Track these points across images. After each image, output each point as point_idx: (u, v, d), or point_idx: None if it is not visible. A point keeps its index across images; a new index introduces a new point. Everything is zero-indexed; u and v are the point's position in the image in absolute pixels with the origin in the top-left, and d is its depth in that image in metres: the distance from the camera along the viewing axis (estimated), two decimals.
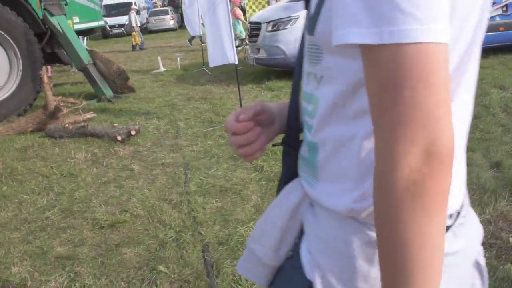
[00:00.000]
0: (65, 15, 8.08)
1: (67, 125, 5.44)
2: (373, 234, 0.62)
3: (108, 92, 7.46)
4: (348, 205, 0.64)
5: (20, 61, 7.12)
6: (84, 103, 6.17)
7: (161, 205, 3.42)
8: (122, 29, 25.25)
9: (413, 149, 0.49)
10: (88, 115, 6.02)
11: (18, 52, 7.08)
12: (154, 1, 35.59)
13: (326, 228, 0.68)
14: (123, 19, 25.41)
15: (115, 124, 5.42)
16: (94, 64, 7.61)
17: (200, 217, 3.16)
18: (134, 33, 16.62)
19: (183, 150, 4.57)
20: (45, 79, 5.77)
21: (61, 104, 5.72)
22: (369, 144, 0.62)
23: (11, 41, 6.97)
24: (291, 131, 0.83)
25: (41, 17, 7.59)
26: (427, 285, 0.53)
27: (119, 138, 4.90)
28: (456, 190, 0.67)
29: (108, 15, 24.36)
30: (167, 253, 2.78)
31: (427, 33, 0.48)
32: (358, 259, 0.65)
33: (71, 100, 6.02)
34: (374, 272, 0.65)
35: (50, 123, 5.67)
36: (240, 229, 2.95)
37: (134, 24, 16.76)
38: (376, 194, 0.54)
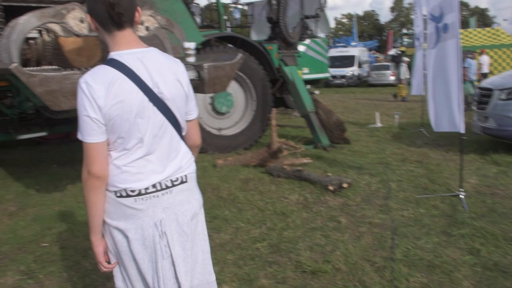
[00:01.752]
0: (297, 65, 8.89)
1: (285, 166, 5.89)
2: (107, 194, 1.76)
3: (325, 141, 7.83)
4: None
5: (255, 102, 8.08)
6: (303, 148, 6.60)
7: (363, 265, 3.40)
8: (344, 80, 26.35)
9: (85, 170, 1.70)
10: (305, 160, 6.41)
11: (254, 95, 8.05)
12: (376, 55, 36.28)
13: None
14: (345, 71, 26.56)
15: (329, 174, 5.63)
16: (316, 112, 8.12)
17: None
18: (400, 85, 17.32)
19: (393, 213, 4.47)
20: (274, 122, 6.38)
21: (283, 146, 6.24)
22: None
23: (250, 85, 7.99)
24: None
25: (276, 66, 8.52)
26: (90, 218, 1.77)
27: (330, 187, 5.08)
28: (118, 184, 1.73)
29: (332, 66, 25.74)
30: None
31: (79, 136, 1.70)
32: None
33: (292, 143, 6.51)
34: (107, 207, 1.77)
35: (271, 161, 6.24)
36: None
37: (402, 77, 17.71)
38: None
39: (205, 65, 4.26)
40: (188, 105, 1.88)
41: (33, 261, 3.74)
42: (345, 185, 5.11)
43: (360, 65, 28.11)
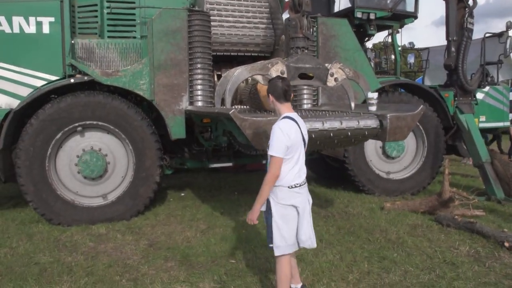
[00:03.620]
0: (473, 113, 8.62)
1: (456, 216, 5.83)
2: (283, 188, 3.41)
3: (499, 193, 7.44)
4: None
5: (426, 149, 8.09)
6: (476, 199, 6.42)
7: None
8: None
9: (271, 172, 3.31)
10: (477, 212, 6.23)
11: (425, 141, 8.08)
12: None
13: None
14: None
15: (505, 230, 5.43)
16: (491, 163, 7.77)
17: None
18: None
19: None
20: (447, 171, 6.36)
21: (456, 196, 6.18)
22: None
23: (423, 131, 8.03)
24: None
25: (451, 113, 8.40)
26: (262, 198, 3.38)
27: (507, 244, 4.91)
28: (290, 182, 3.39)
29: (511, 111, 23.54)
30: None
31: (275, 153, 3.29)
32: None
33: (464, 194, 6.39)
34: (277, 193, 3.41)
35: (441, 210, 6.22)
36: None
37: None
38: None
39: (388, 115, 4.61)
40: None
41: (224, 273, 4.44)
42: (506, 244, 4.88)
43: None
